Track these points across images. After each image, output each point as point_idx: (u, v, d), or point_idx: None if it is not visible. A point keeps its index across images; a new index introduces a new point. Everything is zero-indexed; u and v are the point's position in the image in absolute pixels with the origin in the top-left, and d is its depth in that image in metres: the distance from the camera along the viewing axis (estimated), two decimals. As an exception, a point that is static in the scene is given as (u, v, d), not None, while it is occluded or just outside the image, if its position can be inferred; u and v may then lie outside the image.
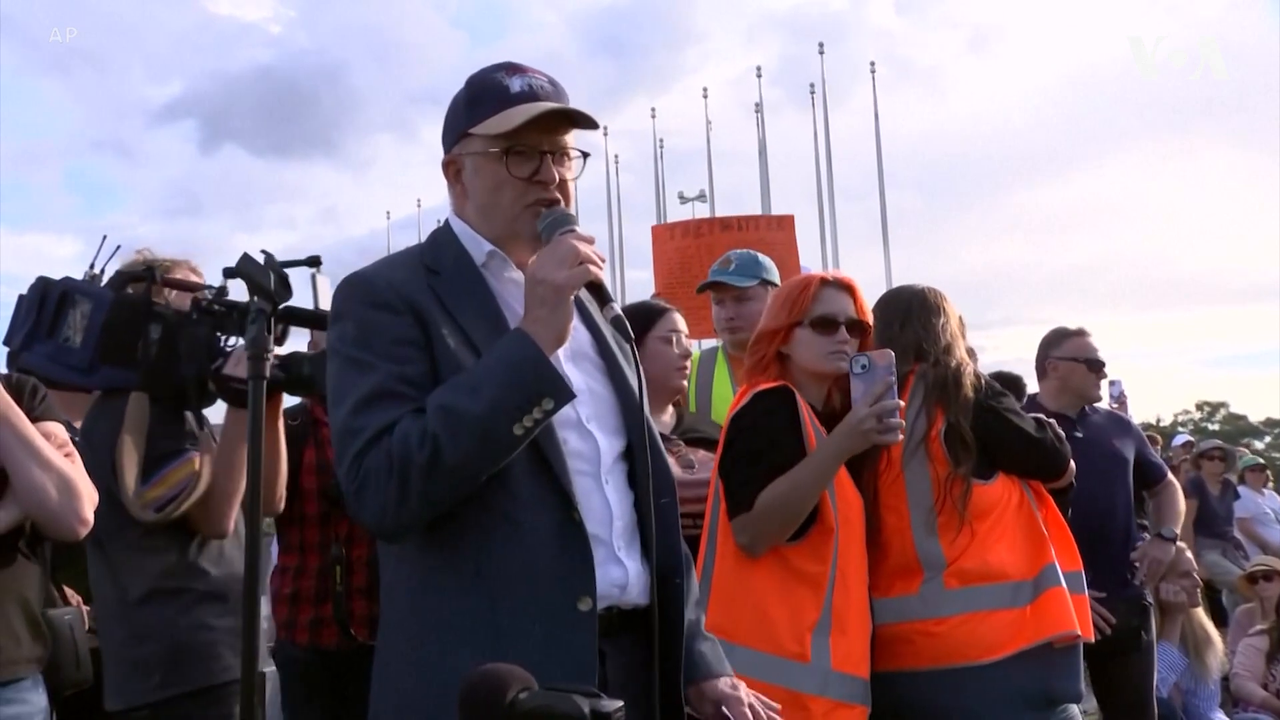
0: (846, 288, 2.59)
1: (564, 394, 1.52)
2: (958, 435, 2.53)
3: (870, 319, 2.61)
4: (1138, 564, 3.82)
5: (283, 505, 2.73)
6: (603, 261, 1.59)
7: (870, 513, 2.53)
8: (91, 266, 2.52)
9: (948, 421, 2.54)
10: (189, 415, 2.51)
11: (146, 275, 2.47)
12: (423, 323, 1.58)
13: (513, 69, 1.68)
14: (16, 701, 2.13)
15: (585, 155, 1.71)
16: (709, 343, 4.90)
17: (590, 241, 1.58)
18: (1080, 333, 4.17)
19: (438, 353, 1.57)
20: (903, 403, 2.40)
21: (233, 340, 2.40)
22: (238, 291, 2.41)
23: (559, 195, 1.66)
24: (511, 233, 1.67)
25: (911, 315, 2.70)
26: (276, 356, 2.36)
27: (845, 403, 2.49)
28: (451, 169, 1.72)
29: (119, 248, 2.58)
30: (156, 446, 2.43)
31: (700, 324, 4.50)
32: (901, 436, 2.40)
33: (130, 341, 2.38)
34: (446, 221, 1.77)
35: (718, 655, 1.79)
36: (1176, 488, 4.22)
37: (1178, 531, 3.99)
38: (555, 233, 1.59)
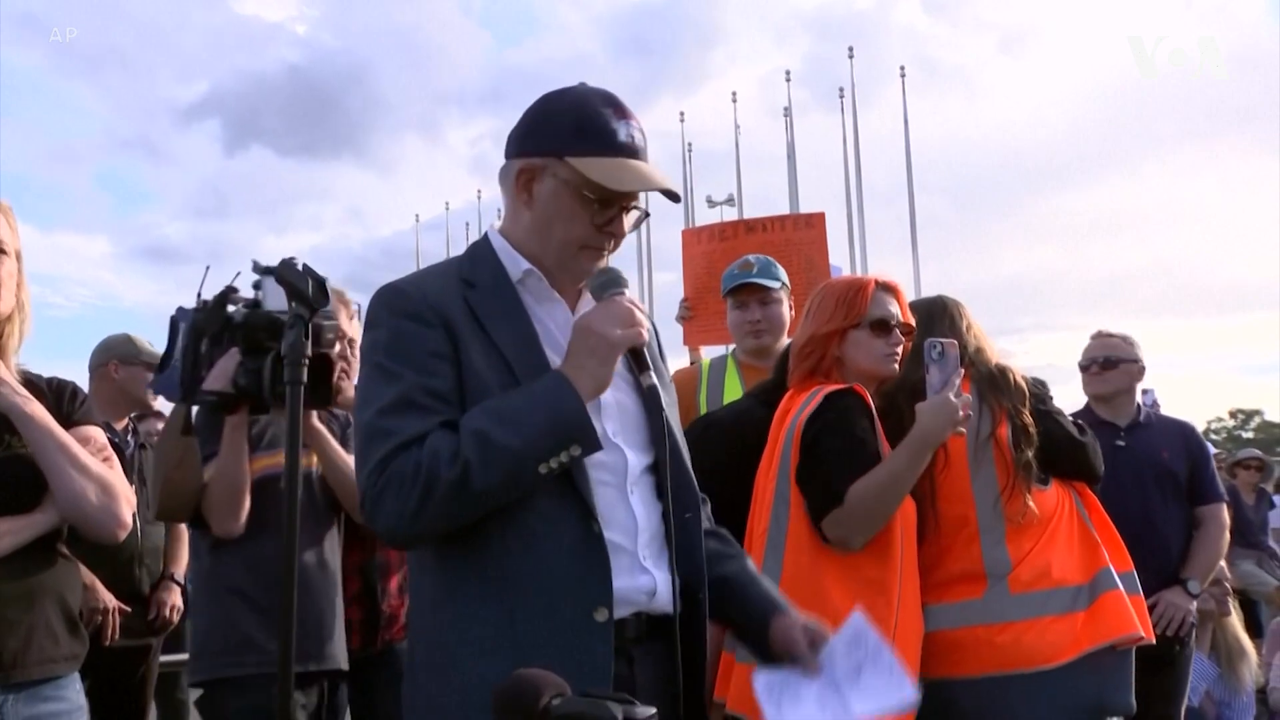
0: (893, 290, 2.60)
1: (593, 445, 1.56)
2: (1020, 425, 2.53)
3: (913, 321, 2.62)
4: (1154, 608, 3.53)
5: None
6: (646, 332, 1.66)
7: (925, 515, 2.51)
8: (199, 296, 2.63)
9: (1007, 413, 2.54)
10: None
11: (220, 296, 2.57)
12: (453, 336, 1.60)
13: (619, 111, 1.68)
14: (55, 699, 2.16)
15: (646, 215, 1.76)
16: (715, 350, 4.88)
17: (641, 309, 1.64)
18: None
19: (465, 366, 1.60)
20: (968, 396, 2.39)
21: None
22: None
23: (616, 244, 1.72)
24: (559, 262, 1.70)
25: (934, 320, 2.70)
26: (243, 366, 2.45)
27: (883, 404, 2.50)
28: (524, 176, 1.70)
29: (209, 268, 2.77)
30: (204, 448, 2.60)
31: (725, 329, 4.47)
32: (964, 430, 2.39)
33: (197, 359, 2.54)
34: (485, 235, 1.79)
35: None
36: (1220, 524, 3.82)
37: (1203, 585, 3.73)
38: (607, 292, 1.65)
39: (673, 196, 1.71)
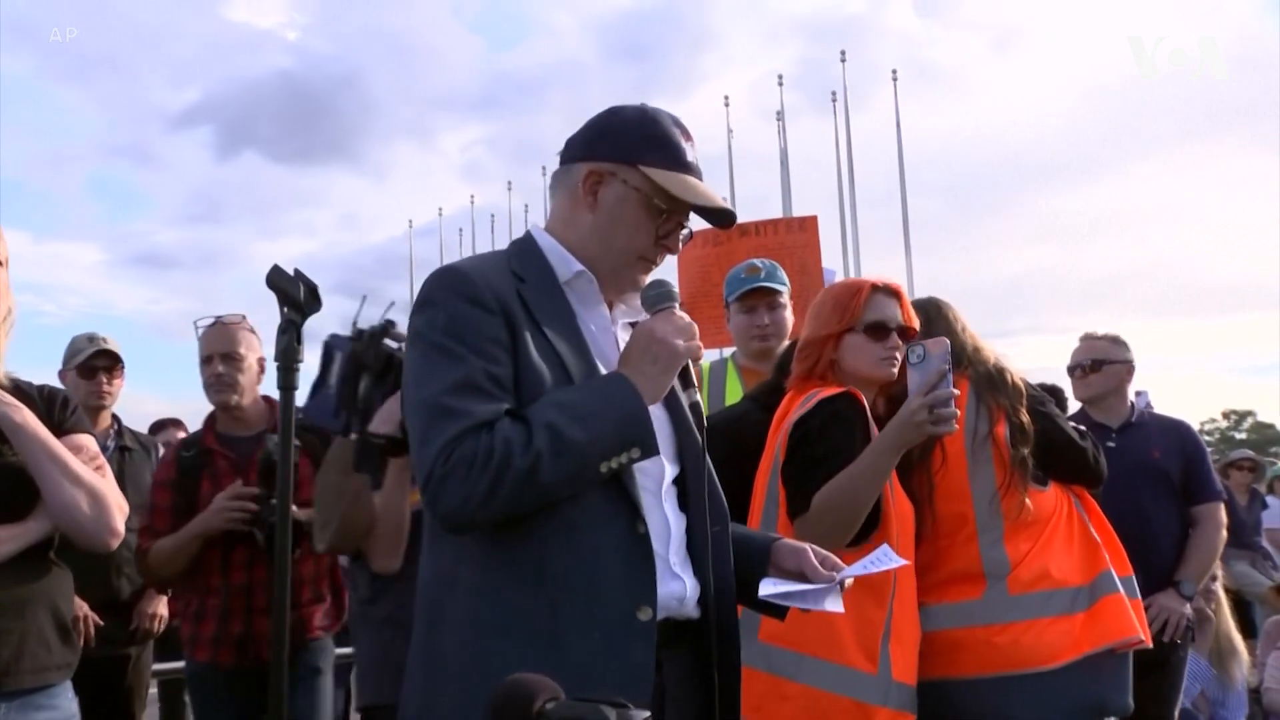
0: (895, 294, 2.58)
1: (652, 450, 1.58)
2: (1017, 424, 2.53)
3: (916, 324, 2.60)
4: (1148, 610, 3.46)
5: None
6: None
7: (924, 515, 2.51)
8: (354, 324, 2.64)
9: (1005, 412, 2.54)
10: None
11: (379, 330, 2.56)
12: (511, 326, 1.60)
13: (685, 133, 1.76)
14: (48, 707, 2.16)
15: (690, 234, 1.80)
16: (709, 354, 4.87)
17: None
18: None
19: (520, 358, 1.60)
20: (958, 391, 2.32)
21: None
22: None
23: (661, 260, 1.78)
24: (614, 270, 1.73)
25: (931, 320, 2.70)
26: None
27: (890, 408, 2.47)
28: (591, 179, 1.73)
29: (365, 297, 2.71)
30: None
31: (719, 333, 4.48)
32: (958, 427, 2.34)
33: (355, 393, 2.54)
34: (529, 233, 1.79)
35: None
36: (1216, 523, 3.78)
37: (1198, 587, 3.71)
38: (660, 304, 1.68)
39: (727, 220, 1.76)
